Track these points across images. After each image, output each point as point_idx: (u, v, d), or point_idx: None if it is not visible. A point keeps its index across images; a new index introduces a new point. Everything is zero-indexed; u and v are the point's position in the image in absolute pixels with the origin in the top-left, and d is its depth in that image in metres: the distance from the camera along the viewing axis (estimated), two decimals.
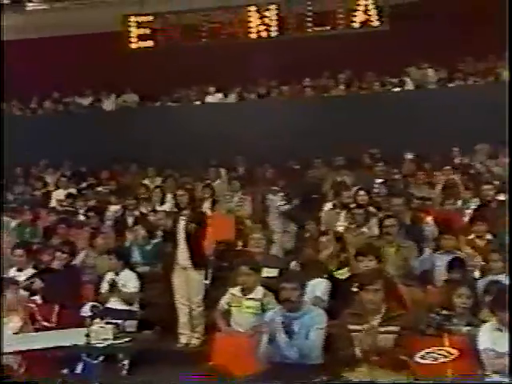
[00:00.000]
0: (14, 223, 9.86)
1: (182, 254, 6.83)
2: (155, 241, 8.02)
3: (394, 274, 6.17)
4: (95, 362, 5.32)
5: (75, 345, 4.79)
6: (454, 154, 11.17)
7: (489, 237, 6.90)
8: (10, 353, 4.76)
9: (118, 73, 13.62)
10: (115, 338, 4.94)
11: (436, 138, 11.01)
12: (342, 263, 6.31)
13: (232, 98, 13.79)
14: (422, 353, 4.55)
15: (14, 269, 7.14)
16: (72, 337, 4.90)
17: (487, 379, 4.44)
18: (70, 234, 8.44)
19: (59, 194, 10.92)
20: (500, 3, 10.30)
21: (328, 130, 12.04)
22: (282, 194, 9.54)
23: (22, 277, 6.89)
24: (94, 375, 5.26)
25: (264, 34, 11.41)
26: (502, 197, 8.07)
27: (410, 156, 11.32)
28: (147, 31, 11.76)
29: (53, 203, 10.81)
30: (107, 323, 5.12)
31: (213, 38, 11.72)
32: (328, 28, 11.33)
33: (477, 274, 6.22)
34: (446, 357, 4.53)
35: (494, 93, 10.94)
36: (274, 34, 11.20)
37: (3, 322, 5.17)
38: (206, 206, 9.11)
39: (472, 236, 6.93)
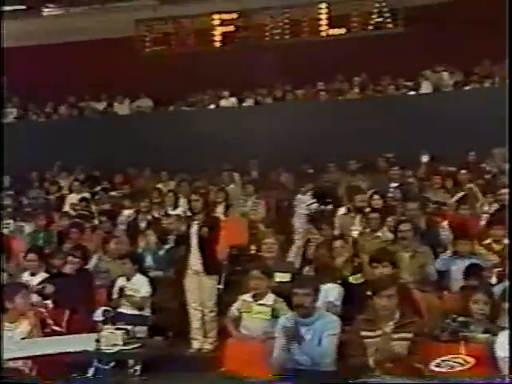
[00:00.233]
0: (28, 228, 9.90)
1: (195, 259, 6.79)
2: (168, 246, 7.97)
3: (409, 279, 6.07)
4: (106, 367, 5.28)
5: (85, 350, 4.75)
6: (470, 158, 11.03)
7: (506, 241, 6.77)
8: (18, 358, 4.73)
9: (132, 78, 13.65)
10: (125, 344, 4.89)
11: (451, 142, 10.88)
12: (356, 268, 6.22)
13: (245, 102, 13.74)
14: (438, 361, 4.44)
15: (27, 273, 7.15)
16: (82, 342, 4.86)
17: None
18: (83, 238, 8.43)
19: (73, 198, 10.93)
20: None
21: (342, 134, 11.96)
22: (310, 193, 9.54)
23: (34, 281, 6.90)
24: (105, 381, 5.21)
25: (278, 38, 11.36)
26: None
27: (425, 159, 11.20)
28: (160, 35, 11.76)
29: (66, 207, 10.82)
30: (117, 329, 5.08)
31: (227, 41, 11.69)
32: (342, 31, 11.24)
33: (494, 279, 6.10)
34: (462, 365, 4.40)
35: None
36: (287, 37, 11.14)
37: (4, 326, 5.15)
38: (220, 211, 9.05)
39: (489, 240, 6.81)
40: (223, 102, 13.78)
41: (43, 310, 6.05)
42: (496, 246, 6.69)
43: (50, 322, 5.79)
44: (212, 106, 13.85)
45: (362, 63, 12.87)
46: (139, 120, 13.87)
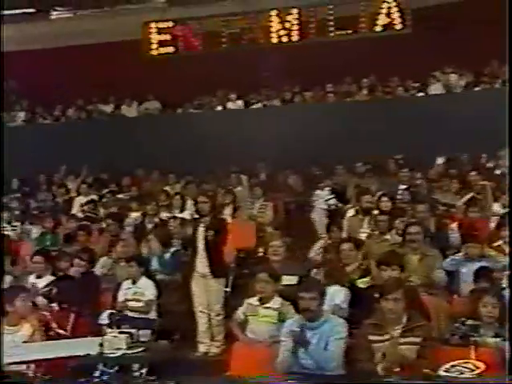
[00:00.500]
0: (35, 231, 9.90)
1: (202, 262, 6.74)
2: (173, 249, 7.91)
3: (418, 282, 5.99)
4: (111, 371, 5.22)
5: (88, 354, 4.70)
6: (481, 160, 10.92)
7: None
8: (21, 362, 4.70)
9: (140, 80, 13.64)
10: (129, 348, 4.84)
11: (461, 143, 10.79)
12: (365, 272, 6.14)
13: (253, 104, 13.69)
14: (447, 366, 4.34)
15: (34, 276, 7.13)
16: (85, 346, 4.81)
17: None
18: (90, 240, 8.40)
19: (81, 201, 10.92)
20: None
21: (351, 136, 11.89)
22: (328, 189, 9.62)
23: (40, 284, 6.88)
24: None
25: (285, 39, 11.26)
26: None
27: (440, 161, 11.11)
28: (168, 37, 11.71)
29: (74, 210, 10.81)
30: (121, 332, 5.03)
31: (234, 43, 11.62)
32: (350, 32, 11.15)
33: (505, 282, 6.01)
34: (472, 370, 4.29)
35: None
36: (295, 39, 11.04)
37: (5, 329, 5.13)
38: (227, 213, 9.02)
39: (499, 242, 6.71)
40: (230, 105, 13.74)
41: (47, 313, 6.02)
42: (506, 248, 6.59)
43: (54, 325, 5.76)
44: (219, 108, 13.81)
45: (370, 64, 12.80)
46: (147, 122, 13.86)
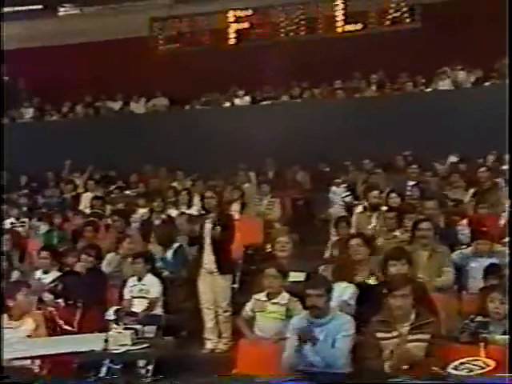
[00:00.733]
0: (43, 227, 9.90)
1: (208, 258, 6.69)
2: (176, 245, 7.84)
3: (427, 279, 5.92)
4: (118, 367, 5.20)
5: (92, 350, 4.67)
6: (490, 156, 10.83)
7: None
8: (25, 357, 4.68)
9: (148, 77, 13.63)
10: (134, 344, 4.80)
11: (470, 139, 10.69)
12: (373, 269, 6.07)
13: (261, 100, 13.64)
14: (456, 363, 4.27)
15: (40, 271, 7.12)
16: (90, 342, 4.78)
17: None
18: (97, 237, 8.38)
19: (88, 197, 10.92)
20: None
21: (359, 132, 11.82)
22: (345, 185, 9.66)
23: (47, 279, 6.87)
24: (116, 381, 5.14)
25: (293, 34, 11.22)
26: None
27: (453, 159, 11.02)
28: (175, 34, 11.69)
29: (82, 206, 10.81)
30: (126, 329, 5.00)
31: (241, 39, 11.58)
32: (359, 27, 11.08)
33: None
34: (482, 368, 4.21)
35: None
36: (302, 34, 10.99)
37: (8, 324, 5.11)
38: (235, 209, 8.97)
39: (509, 238, 6.63)
40: (238, 101, 13.69)
41: (53, 308, 6.00)
42: None
43: (60, 321, 5.74)
44: (227, 105, 13.77)
45: (378, 60, 12.72)
46: (155, 119, 13.83)
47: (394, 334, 4.39)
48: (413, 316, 4.45)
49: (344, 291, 5.37)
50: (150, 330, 5.24)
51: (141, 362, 5.39)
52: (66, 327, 5.81)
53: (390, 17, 10.93)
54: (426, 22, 11.15)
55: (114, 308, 6.20)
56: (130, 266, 6.91)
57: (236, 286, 7.30)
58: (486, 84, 12.49)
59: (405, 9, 10.79)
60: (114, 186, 11.62)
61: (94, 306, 6.30)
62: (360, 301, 5.35)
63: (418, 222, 6.63)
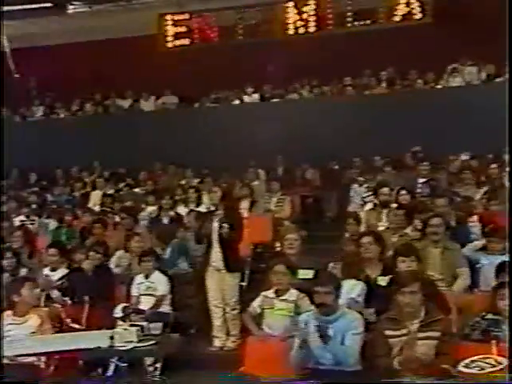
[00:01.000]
0: (52, 225, 9.91)
1: (216, 256, 6.66)
2: (175, 241, 7.79)
3: (438, 277, 5.85)
4: (125, 364, 5.17)
5: (98, 347, 4.64)
6: (501, 153, 10.70)
7: None
8: (31, 354, 4.66)
9: (157, 75, 13.61)
10: (140, 341, 4.77)
11: (481, 135, 10.58)
12: (384, 267, 6.00)
13: (270, 97, 13.58)
14: (467, 361, 4.18)
15: (48, 268, 7.11)
16: (96, 339, 4.75)
17: None
18: (106, 234, 8.37)
19: (97, 195, 10.92)
20: None
21: (369, 129, 11.73)
22: (366, 185, 9.57)
23: (55, 276, 6.86)
24: (122, 378, 5.11)
25: (302, 31, 11.14)
26: None
27: (465, 157, 10.92)
28: (183, 29, 11.65)
29: (91, 204, 10.81)
30: (132, 325, 4.96)
31: (250, 35, 11.53)
32: (369, 22, 10.98)
33: None
34: (493, 366, 4.11)
35: None
36: (312, 30, 10.91)
37: (12, 321, 5.09)
38: (244, 206, 8.93)
39: None
40: (247, 98, 13.64)
41: (59, 305, 5.98)
42: None
43: (67, 318, 5.72)
44: (237, 102, 13.72)
45: (389, 57, 12.61)
46: (164, 117, 13.82)
47: (404, 331, 4.32)
48: (422, 313, 4.38)
49: (352, 288, 5.31)
50: (156, 327, 5.20)
51: (148, 360, 5.35)
52: (74, 325, 5.79)
53: (400, 12, 10.80)
54: (436, 17, 11.02)
55: (122, 305, 6.18)
56: (141, 263, 6.87)
57: (244, 283, 7.26)
58: (498, 80, 12.33)
59: (416, 4, 10.65)
60: (123, 184, 11.61)
61: (101, 304, 6.29)
62: (371, 299, 5.28)
63: (429, 218, 6.56)
